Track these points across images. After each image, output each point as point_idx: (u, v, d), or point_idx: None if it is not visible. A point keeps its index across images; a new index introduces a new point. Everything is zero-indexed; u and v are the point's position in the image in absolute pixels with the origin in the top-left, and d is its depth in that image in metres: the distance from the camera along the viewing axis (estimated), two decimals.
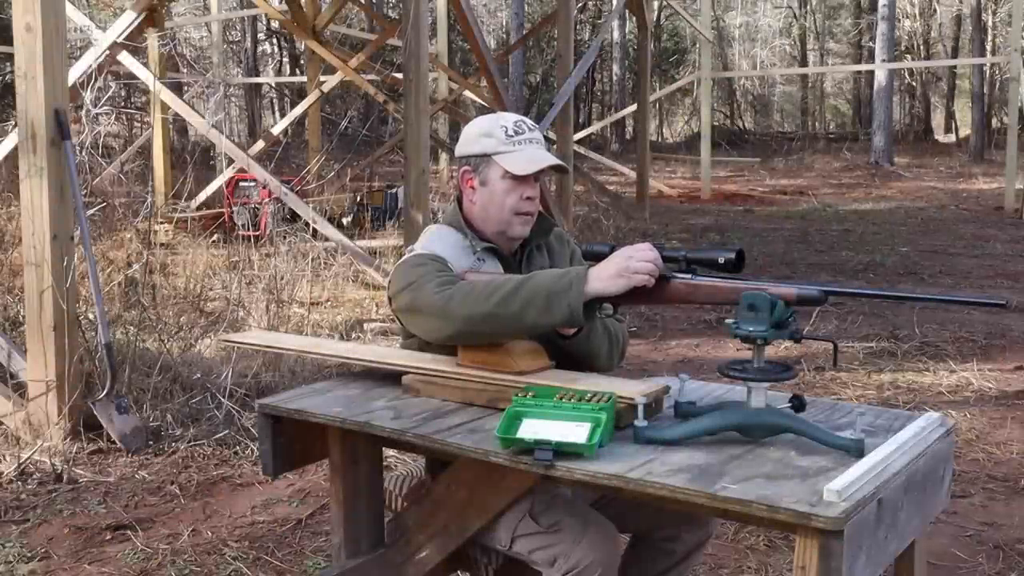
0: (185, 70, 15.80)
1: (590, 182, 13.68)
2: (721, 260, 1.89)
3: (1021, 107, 16.46)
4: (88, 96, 5.74)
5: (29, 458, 3.93)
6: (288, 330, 5.63)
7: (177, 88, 14.42)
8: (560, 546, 1.96)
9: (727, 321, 1.84)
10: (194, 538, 3.37)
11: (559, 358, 2.11)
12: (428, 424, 1.93)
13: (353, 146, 15.56)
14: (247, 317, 5.71)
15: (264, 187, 9.03)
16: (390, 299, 2.17)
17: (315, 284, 6.81)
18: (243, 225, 9.17)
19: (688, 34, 32.28)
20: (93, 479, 3.84)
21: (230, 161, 10.49)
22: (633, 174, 14.66)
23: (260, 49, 29.39)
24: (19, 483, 3.79)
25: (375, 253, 7.65)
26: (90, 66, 7.41)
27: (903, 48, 30.43)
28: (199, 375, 4.76)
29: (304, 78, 14.51)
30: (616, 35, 29.78)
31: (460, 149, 2.26)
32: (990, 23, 29.84)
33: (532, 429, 1.76)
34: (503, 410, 1.84)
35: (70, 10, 6.19)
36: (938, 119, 36.47)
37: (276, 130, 13.59)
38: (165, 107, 9.21)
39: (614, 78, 31.88)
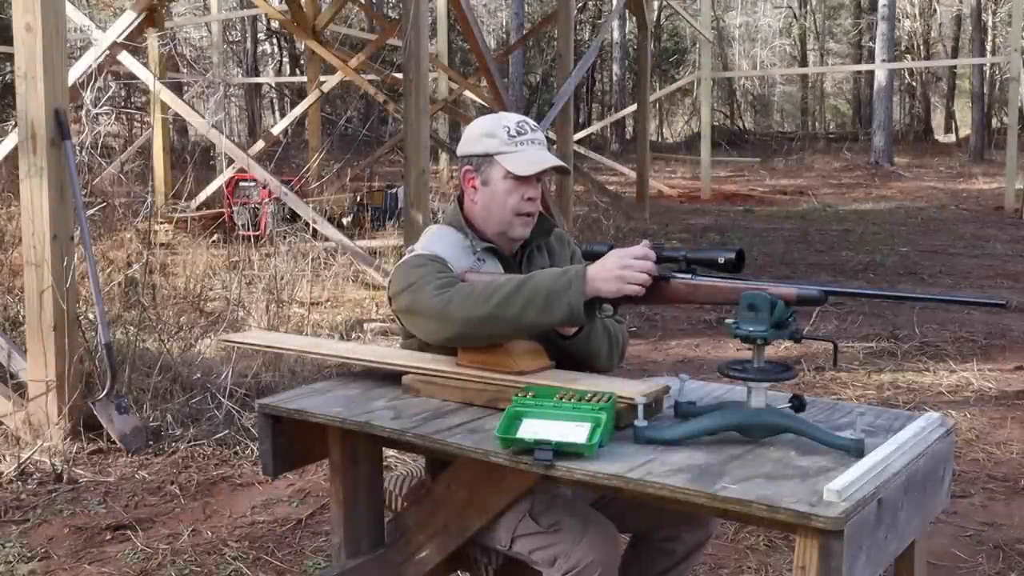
0: (185, 70, 15.81)
1: (590, 182, 13.68)
2: (721, 260, 1.89)
3: (1021, 107, 16.47)
4: (88, 96, 5.74)
5: (29, 458, 3.93)
6: (288, 330, 5.63)
7: (177, 88, 14.42)
8: (560, 546, 1.97)
9: (727, 321, 1.84)
10: (194, 538, 3.37)
11: (559, 358, 2.11)
12: (428, 424, 1.93)
13: (353, 146, 15.57)
14: (247, 317, 5.71)
15: (264, 187, 9.03)
16: (390, 299, 2.17)
17: (315, 284, 6.81)
18: (243, 225, 9.18)
19: (688, 34, 32.28)
20: (93, 479, 3.84)
21: (230, 161, 10.49)
22: (633, 174, 14.67)
23: (260, 49, 29.39)
24: (19, 483, 3.79)
25: (375, 253, 7.65)
26: (90, 66, 7.41)
27: (903, 48, 30.44)
28: (199, 375, 4.76)
29: (304, 78, 14.51)
30: (616, 35, 29.78)
31: (462, 149, 2.26)
32: (990, 23, 29.84)
33: (532, 429, 1.76)
34: (503, 410, 1.84)
35: (70, 10, 6.19)
36: (938, 119, 36.48)
37: (276, 130, 13.59)
38: (165, 107, 9.21)
39: (614, 78, 31.89)
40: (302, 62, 20.16)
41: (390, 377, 2.21)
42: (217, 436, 4.24)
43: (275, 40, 29.73)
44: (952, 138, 31.44)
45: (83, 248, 4.41)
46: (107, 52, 7.88)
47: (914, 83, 32.74)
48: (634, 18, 15.03)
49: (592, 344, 2.15)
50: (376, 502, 2.25)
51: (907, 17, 30.50)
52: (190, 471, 3.96)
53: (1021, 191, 13.68)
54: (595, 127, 23.62)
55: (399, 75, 10.37)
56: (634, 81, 25.06)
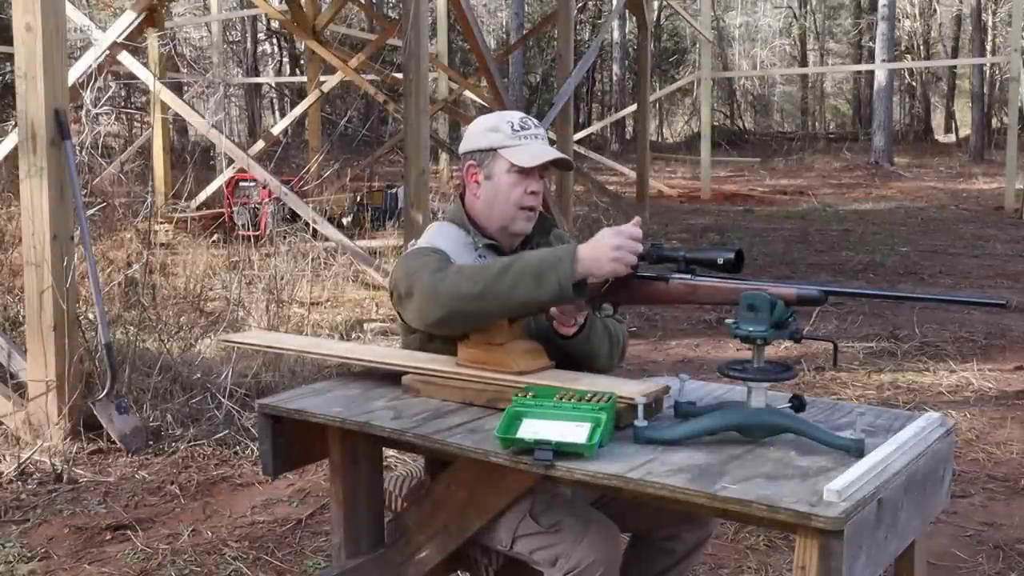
0: (185, 70, 15.79)
1: (590, 182, 13.68)
2: (720, 260, 1.88)
3: (1021, 107, 16.47)
4: (88, 96, 5.74)
5: (29, 458, 3.93)
6: (288, 330, 5.63)
7: (177, 88, 14.42)
8: (561, 546, 1.97)
9: (727, 321, 1.84)
10: (194, 538, 3.37)
11: (559, 358, 2.11)
12: (428, 424, 1.93)
13: (353, 146, 15.56)
14: (247, 317, 5.71)
15: (264, 187, 9.03)
16: (391, 293, 2.17)
17: (315, 284, 6.81)
18: (243, 225, 9.18)
19: (688, 34, 32.28)
20: (93, 479, 3.84)
21: (230, 161, 10.49)
22: (633, 174, 14.67)
23: (260, 49, 29.39)
24: (19, 483, 3.79)
25: (375, 253, 7.65)
26: (90, 66, 7.41)
27: (903, 48, 30.44)
28: (199, 375, 4.76)
29: (304, 78, 14.51)
30: (616, 35, 29.78)
31: (465, 145, 2.27)
32: (990, 23, 29.84)
33: (532, 429, 1.76)
34: (503, 410, 1.84)
35: (70, 10, 6.19)
36: (938, 119, 36.47)
37: (276, 130, 13.59)
38: (165, 107, 9.21)
39: (614, 78, 31.88)
40: (302, 62, 20.15)
41: (390, 377, 2.21)
42: (217, 436, 4.23)
43: (275, 40, 29.73)
44: (952, 138, 31.44)
45: (83, 248, 4.41)
46: (107, 52, 7.88)
47: (914, 83, 32.73)
48: (634, 18, 15.03)
49: (592, 344, 2.15)
50: (376, 502, 2.25)
51: (907, 17, 30.50)
52: (190, 471, 3.96)
53: (1021, 191, 13.68)
54: (595, 127, 23.62)
55: (399, 75, 10.37)
56: (634, 81, 25.06)
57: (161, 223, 8.38)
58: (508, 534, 2.04)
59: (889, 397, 4.97)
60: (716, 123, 27.88)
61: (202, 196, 10.33)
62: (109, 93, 6.42)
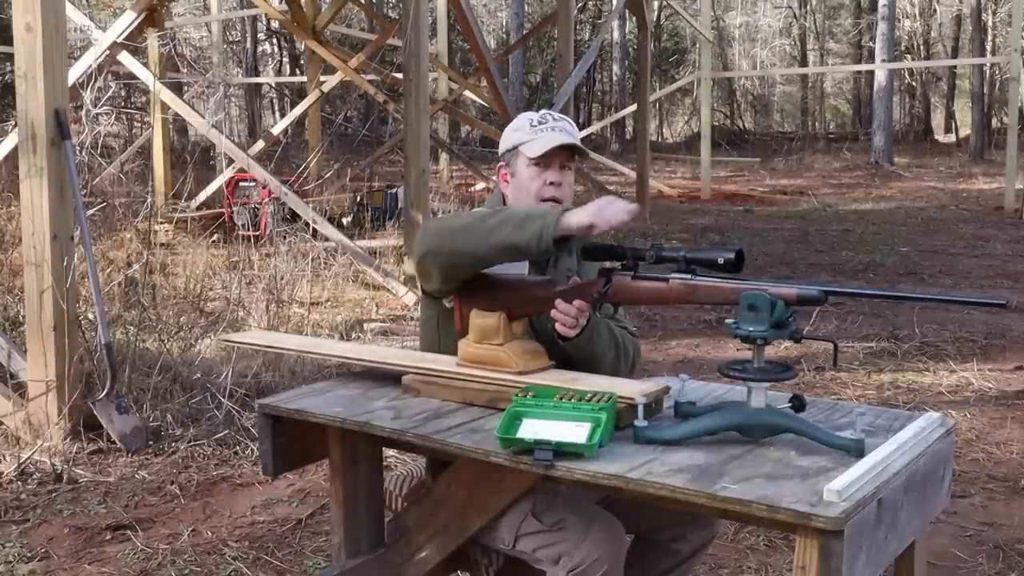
0: (185, 70, 15.79)
1: (590, 182, 13.68)
2: (721, 260, 1.89)
3: (1021, 107, 16.47)
4: (88, 96, 5.74)
5: (29, 458, 3.93)
6: (288, 330, 5.63)
7: (177, 88, 14.42)
8: (564, 544, 1.96)
9: (727, 321, 1.84)
10: (194, 538, 3.37)
11: (561, 361, 2.11)
12: (428, 424, 1.93)
13: (353, 146, 15.56)
14: (247, 317, 5.71)
15: (264, 187, 9.03)
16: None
17: (315, 284, 6.81)
18: (243, 225, 9.17)
19: (688, 34, 32.28)
20: (93, 479, 3.84)
21: (230, 161, 10.49)
22: (633, 174, 14.66)
23: (260, 49, 29.39)
24: (19, 483, 3.79)
25: (375, 253, 7.65)
26: (90, 66, 7.41)
27: (903, 48, 30.43)
28: (199, 375, 4.76)
29: (304, 78, 14.51)
30: (616, 35, 29.78)
31: (500, 149, 2.35)
32: (990, 23, 29.84)
33: (532, 429, 1.76)
34: (503, 410, 1.84)
35: (70, 10, 6.19)
36: (938, 119, 36.47)
37: (276, 130, 13.59)
38: (165, 107, 9.21)
39: (614, 78, 31.88)
40: (302, 62, 20.15)
41: (390, 377, 2.21)
42: (217, 436, 4.23)
43: (275, 40, 29.73)
44: (952, 138, 31.43)
45: (83, 248, 4.41)
46: (107, 52, 7.88)
47: (914, 83, 32.73)
48: (634, 18, 15.03)
49: (595, 348, 2.15)
50: (376, 502, 2.25)
51: (907, 17, 30.49)
52: (190, 471, 3.96)
53: (1021, 191, 13.68)
54: (595, 127, 23.61)
55: (399, 75, 10.37)
56: (634, 81, 25.06)
57: (161, 223, 8.38)
58: (510, 533, 2.04)
59: (889, 397, 4.97)
60: (716, 123, 27.88)
61: (202, 196, 10.33)
62: (109, 93, 6.42)
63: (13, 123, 6.65)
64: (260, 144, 11.51)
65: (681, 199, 16.13)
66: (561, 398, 1.84)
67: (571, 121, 2.29)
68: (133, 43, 8.52)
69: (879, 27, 22.16)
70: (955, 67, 31.36)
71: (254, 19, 25.20)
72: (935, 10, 31.02)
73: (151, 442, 4.20)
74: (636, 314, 6.94)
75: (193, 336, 5.39)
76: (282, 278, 6.14)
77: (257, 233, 7.87)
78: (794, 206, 15.12)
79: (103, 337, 4.27)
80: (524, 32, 21.99)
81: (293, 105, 17.65)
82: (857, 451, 1.70)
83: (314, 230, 7.30)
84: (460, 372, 2.07)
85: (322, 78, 12.61)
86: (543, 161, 2.22)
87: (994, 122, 29.28)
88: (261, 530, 3.44)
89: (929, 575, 2.88)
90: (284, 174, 9.71)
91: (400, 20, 7.72)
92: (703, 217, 13.36)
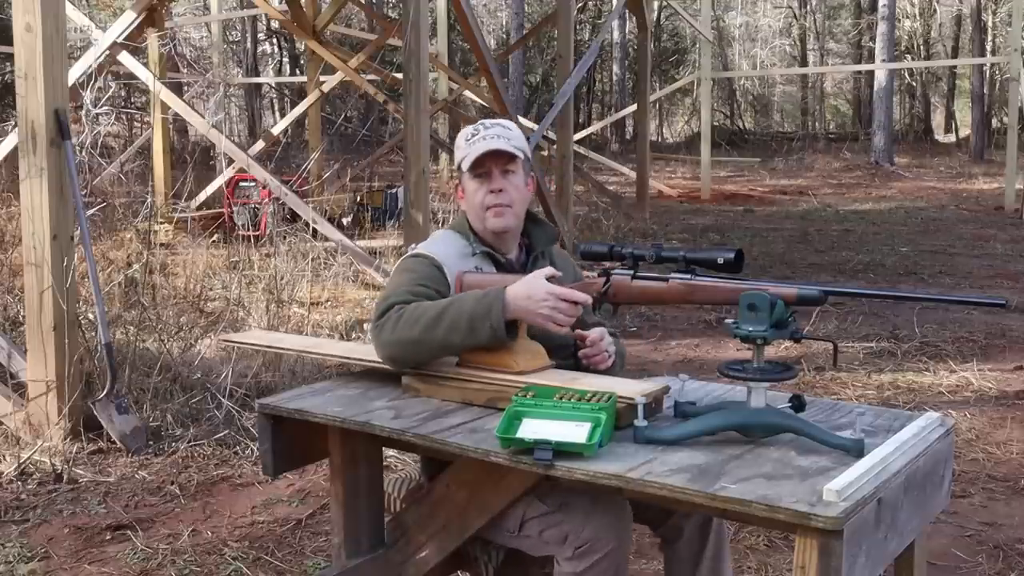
0: (185, 70, 15.78)
1: (590, 182, 13.68)
2: (720, 260, 1.89)
3: (1021, 107, 16.46)
4: (88, 96, 5.75)
5: (29, 458, 3.93)
6: (288, 330, 5.62)
7: (177, 88, 14.41)
8: (569, 523, 1.97)
9: (727, 321, 1.84)
10: (194, 538, 3.37)
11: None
12: (428, 424, 1.93)
13: (353, 146, 15.56)
14: (247, 317, 5.71)
15: (264, 187, 9.03)
16: None
17: (315, 284, 6.81)
18: (243, 225, 9.18)
19: (688, 34, 32.28)
20: (93, 479, 3.84)
21: (230, 161, 10.49)
22: (633, 174, 14.66)
23: (260, 49, 29.39)
24: (19, 483, 3.79)
25: (375, 253, 7.64)
26: (90, 66, 7.42)
27: (903, 48, 30.43)
28: (199, 375, 4.76)
29: (304, 78, 14.51)
30: (616, 35, 29.77)
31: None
32: (990, 23, 29.84)
33: (532, 429, 1.76)
34: (503, 410, 1.84)
35: (70, 10, 6.19)
36: (938, 119, 36.48)
37: (276, 130, 13.59)
38: (165, 107, 9.21)
39: (614, 78, 31.88)
40: (302, 62, 20.15)
41: (390, 377, 2.21)
42: (217, 436, 4.23)
43: (275, 40, 29.73)
44: (952, 138, 31.44)
45: (83, 248, 4.41)
46: (107, 52, 7.88)
47: (914, 83, 32.73)
48: (634, 18, 15.02)
49: (614, 372, 2.23)
50: (376, 502, 2.25)
51: (907, 17, 30.49)
52: (190, 471, 3.96)
53: (1021, 191, 13.68)
54: (595, 127, 23.62)
55: (399, 75, 10.37)
56: (634, 81, 25.05)
57: (161, 223, 8.38)
58: (516, 519, 2.04)
59: (889, 397, 4.97)
60: (716, 123, 27.88)
61: (202, 196, 10.32)
62: (109, 93, 6.42)
63: (13, 123, 6.65)
64: (260, 144, 11.51)
65: (681, 199, 16.13)
66: (561, 398, 1.84)
67: (506, 124, 2.31)
68: (133, 43, 8.53)
69: (879, 27, 22.15)
70: (955, 67, 31.36)
71: (254, 19, 25.20)
72: (935, 10, 31.02)
73: (151, 442, 4.20)
74: (636, 314, 6.95)
75: (193, 336, 5.39)
76: (282, 278, 6.14)
77: (257, 233, 7.87)
78: (794, 206, 15.12)
79: (103, 337, 4.27)
80: (524, 32, 21.99)
81: (293, 105, 17.65)
82: (857, 451, 1.70)
83: (314, 230, 7.29)
84: (460, 372, 2.08)
85: (322, 78, 12.61)
86: (482, 172, 2.26)
87: (994, 122, 29.28)
88: (261, 530, 3.44)
89: (929, 575, 2.88)
90: (284, 174, 9.71)
91: (400, 20, 7.72)
92: (703, 217, 13.36)
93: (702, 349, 6.17)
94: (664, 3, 26.45)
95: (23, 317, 4.52)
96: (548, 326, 2.01)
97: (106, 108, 6.25)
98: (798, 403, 1.90)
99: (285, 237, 6.87)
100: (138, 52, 9.16)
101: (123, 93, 14.49)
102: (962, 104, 33.54)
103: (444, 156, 16.48)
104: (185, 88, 16.55)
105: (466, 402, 2.05)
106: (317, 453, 2.25)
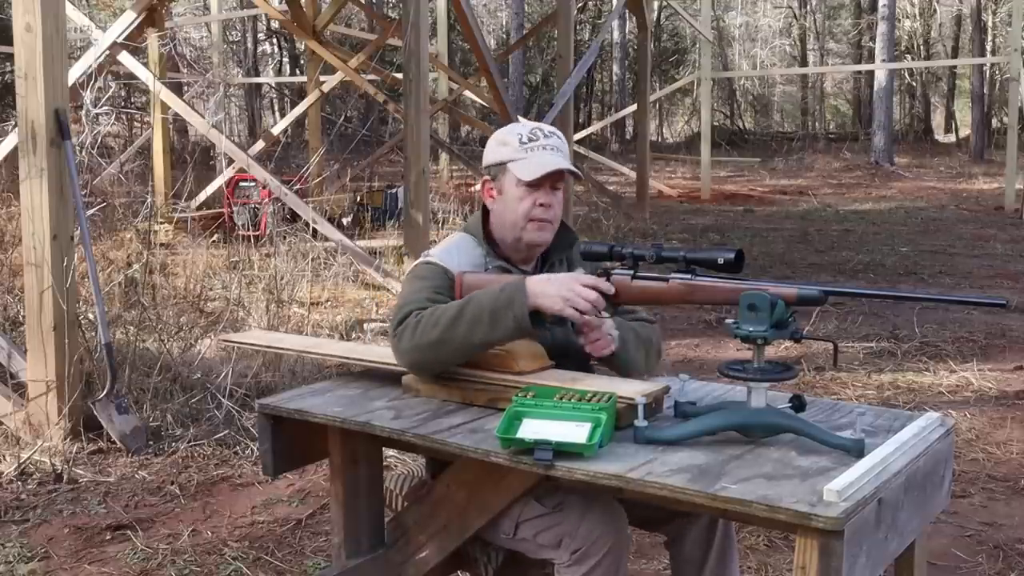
0: (185, 70, 15.78)
1: (590, 182, 13.67)
2: (721, 260, 1.89)
3: (1021, 107, 16.46)
4: (88, 96, 5.75)
5: (29, 458, 3.93)
6: (288, 330, 5.62)
7: (177, 88, 14.40)
8: (565, 525, 1.96)
9: (727, 321, 1.84)
10: (194, 538, 3.37)
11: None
12: (428, 424, 1.93)
13: (353, 146, 15.55)
14: (247, 317, 5.71)
15: (264, 187, 9.03)
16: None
17: (315, 284, 6.81)
18: (243, 225, 9.18)
19: (688, 34, 32.28)
20: (93, 479, 3.84)
21: (230, 161, 10.49)
22: (633, 174, 14.66)
23: (260, 49, 29.39)
24: (19, 483, 3.79)
25: (375, 253, 7.64)
26: (90, 66, 7.42)
27: (903, 48, 30.43)
28: (199, 375, 4.76)
29: (304, 78, 14.50)
30: (616, 35, 29.77)
31: (484, 160, 2.28)
32: (990, 23, 29.84)
33: (532, 429, 1.76)
34: (503, 410, 1.84)
35: (70, 10, 6.19)
36: (938, 119, 36.48)
37: (276, 130, 13.59)
38: (165, 107, 9.21)
39: (614, 78, 31.87)
40: (302, 62, 20.15)
41: (390, 377, 2.21)
42: (217, 436, 4.23)
43: (275, 40, 29.72)
44: (952, 138, 31.44)
45: (83, 248, 4.40)
46: (107, 52, 7.88)
47: (914, 83, 32.73)
48: (634, 18, 15.03)
49: (628, 357, 2.15)
50: (376, 502, 2.25)
51: (907, 17, 30.49)
52: (190, 471, 3.96)
53: (1021, 191, 13.68)
54: (595, 127, 23.61)
55: (399, 75, 10.37)
56: (634, 81, 25.04)
57: (161, 223, 8.38)
58: (512, 521, 2.04)
59: (889, 397, 4.97)
60: (716, 123, 27.87)
61: (202, 196, 10.32)
62: (109, 93, 6.42)
63: (13, 123, 6.65)
64: (260, 144, 11.51)
65: (681, 199, 16.13)
66: (561, 398, 1.84)
67: (560, 135, 2.24)
68: (133, 43, 8.53)
69: (879, 27, 22.15)
70: (955, 67, 31.36)
71: (254, 19, 25.21)
72: (935, 10, 31.02)
73: (151, 442, 4.20)
74: None
75: (193, 336, 5.39)
76: (282, 278, 6.14)
77: (257, 233, 7.87)
78: (794, 206, 15.12)
79: (103, 337, 4.27)
80: (524, 32, 21.98)
81: (293, 105, 17.65)
82: (857, 451, 1.70)
83: (314, 230, 7.29)
84: (461, 372, 2.08)
85: (322, 78, 12.61)
86: (534, 182, 2.17)
87: (994, 122, 29.28)
88: (261, 530, 3.44)
89: (929, 575, 2.88)
90: (284, 174, 9.71)
91: (400, 20, 7.72)
92: (703, 217, 13.36)
93: (702, 349, 6.17)
94: (664, 3, 26.44)
95: (23, 317, 4.52)
96: (567, 311, 1.95)
97: (106, 108, 6.25)
98: (798, 403, 1.90)
99: (285, 237, 6.87)
100: (138, 52, 9.16)
101: (123, 93, 14.49)
102: (962, 104, 33.55)
103: (444, 156, 16.49)
104: (185, 88, 16.55)
105: (466, 402, 2.05)
106: (317, 453, 2.25)
